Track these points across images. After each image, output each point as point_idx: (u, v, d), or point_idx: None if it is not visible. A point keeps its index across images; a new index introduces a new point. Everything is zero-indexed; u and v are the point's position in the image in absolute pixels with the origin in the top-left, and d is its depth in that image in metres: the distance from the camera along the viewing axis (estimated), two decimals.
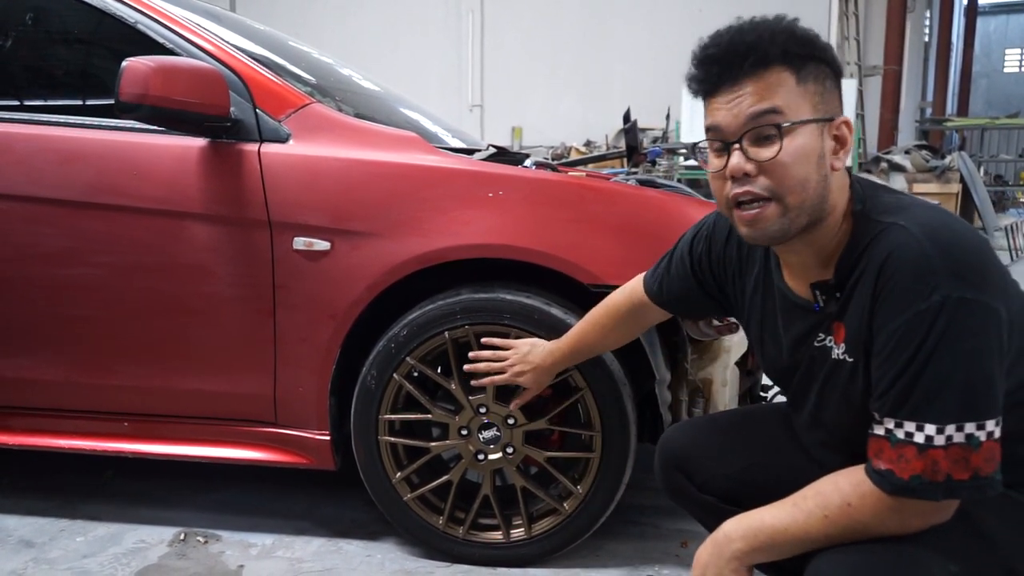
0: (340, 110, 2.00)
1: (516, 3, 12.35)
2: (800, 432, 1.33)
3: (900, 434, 1.00)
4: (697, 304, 1.47)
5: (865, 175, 9.08)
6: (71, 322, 1.99)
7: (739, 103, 1.06)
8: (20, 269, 1.97)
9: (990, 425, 0.97)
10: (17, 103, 2.24)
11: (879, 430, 1.03)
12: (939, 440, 0.97)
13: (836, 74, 1.10)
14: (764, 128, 1.05)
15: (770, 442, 1.40)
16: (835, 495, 1.05)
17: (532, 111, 12.45)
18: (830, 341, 1.15)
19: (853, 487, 1.04)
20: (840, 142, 1.09)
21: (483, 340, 1.77)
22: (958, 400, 0.97)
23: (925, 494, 0.99)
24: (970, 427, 0.97)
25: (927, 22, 17.86)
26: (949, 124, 16.01)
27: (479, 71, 12.68)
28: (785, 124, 1.04)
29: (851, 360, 1.11)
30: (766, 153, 1.05)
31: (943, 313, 0.97)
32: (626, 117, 3.37)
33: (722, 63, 1.06)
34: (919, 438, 0.98)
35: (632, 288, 1.56)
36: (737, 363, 1.94)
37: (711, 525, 1.21)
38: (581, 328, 1.63)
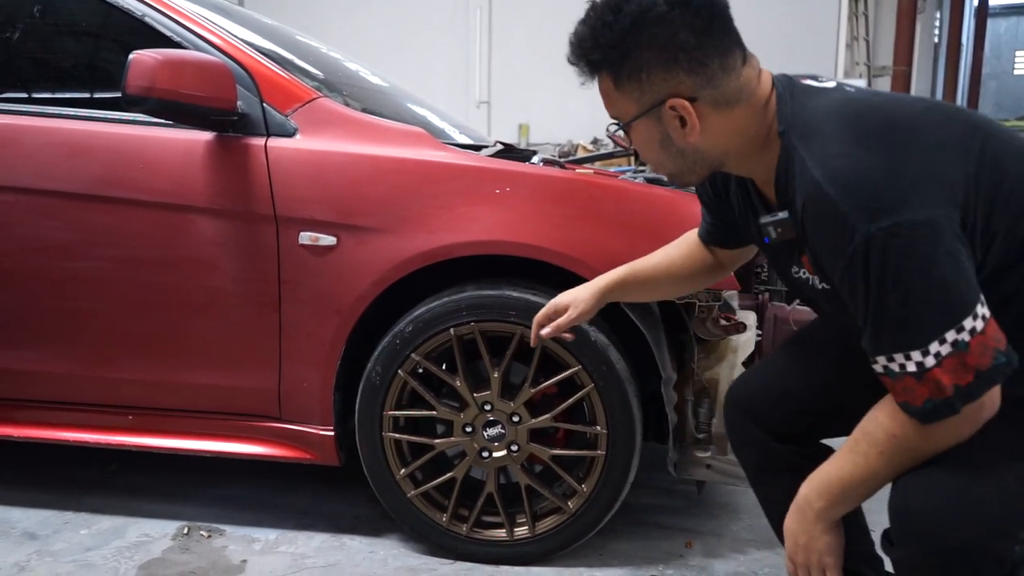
0: (347, 105, 1.99)
1: (524, 0, 12.33)
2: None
3: (895, 368, 1.02)
4: (739, 228, 1.40)
5: None
6: (76, 315, 1.99)
7: None
8: (26, 262, 1.97)
9: (969, 321, 0.98)
10: (25, 96, 2.24)
11: (878, 368, 1.05)
12: (930, 361, 0.99)
13: (665, 47, 1.09)
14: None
15: (823, 365, 1.38)
16: (879, 431, 1.08)
17: (539, 108, 12.40)
18: (804, 273, 1.18)
19: (891, 418, 1.06)
20: (682, 119, 1.12)
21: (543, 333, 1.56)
22: (926, 319, 0.98)
23: (944, 412, 1.00)
24: (951, 335, 0.97)
25: (937, 23, 17.76)
26: None
27: (486, 68, 12.65)
28: (621, 128, 1.19)
29: (830, 287, 1.13)
30: None
31: (872, 249, 0.98)
32: None
33: (575, 65, 1.16)
34: (911, 367, 1.00)
35: (688, 235, 1.53)
36: (744, 363, 1.93)
37: (763, 480, 1.37)
38: (641, 260, 1.55)
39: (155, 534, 2.05)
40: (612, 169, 2.96)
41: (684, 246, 1.53)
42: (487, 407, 1.86)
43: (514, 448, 1.87)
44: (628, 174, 2.27)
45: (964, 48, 21.12)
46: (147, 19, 1.95)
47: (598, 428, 1.82)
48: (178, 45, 1.91)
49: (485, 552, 1.92)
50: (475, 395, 1.86)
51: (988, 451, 1.04)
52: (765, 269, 2.09)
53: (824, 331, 1.43)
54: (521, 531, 1.90)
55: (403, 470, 1.91)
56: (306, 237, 1.84)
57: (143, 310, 1.95)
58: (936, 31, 17.89)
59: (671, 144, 1.16)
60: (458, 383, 1.86)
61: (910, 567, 1.09)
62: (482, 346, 1.83)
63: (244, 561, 1.93)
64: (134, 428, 2.03)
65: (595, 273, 1.76)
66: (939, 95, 18.62)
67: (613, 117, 1.20)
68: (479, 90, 12.69)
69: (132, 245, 1.92)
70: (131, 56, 1.71)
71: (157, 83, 1.71)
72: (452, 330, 1.82)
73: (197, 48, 1.90)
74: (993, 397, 1.02)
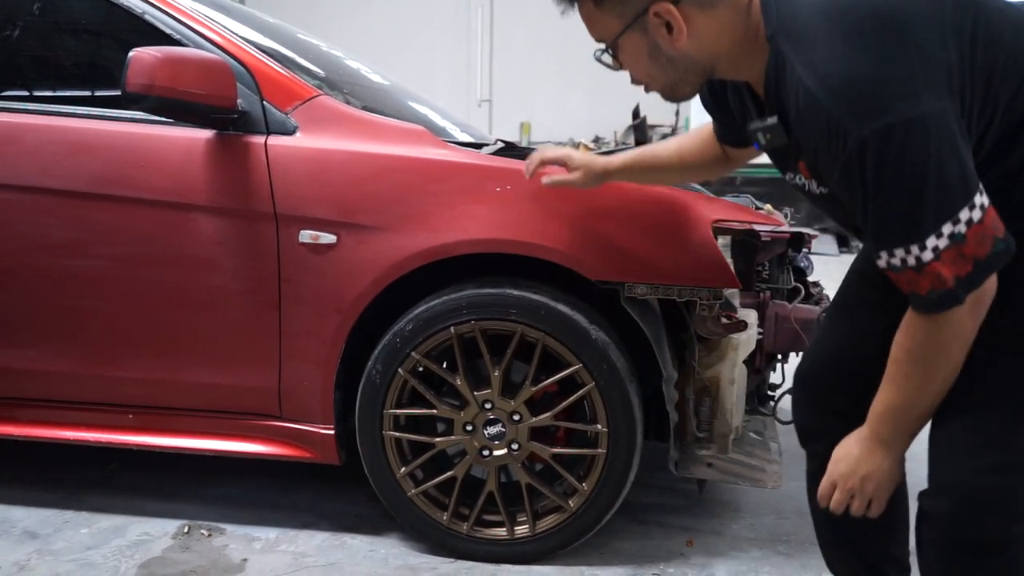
0: (348, 103, 1.99)
1: None
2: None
3: (896, 262, 1.03)
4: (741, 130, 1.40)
5: None
6: (77, 313, 1.98)
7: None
8: (27, 260, 1.97)
9: (965, 212, 0.98)
10: (25, 94, 2.24)
11: (881, 263, 1.06)
12: (927, 256, 1.00)
13: None
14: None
15: (870, 324, 1.35)
16: (898, 351, 1.11)
17: (541, 106, 12.42)
18: (800, 178, 1.19)
19: (903, 333, 1.10)
20: (668, 26, 1.11)
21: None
22: (922, 214, 0.99)
23: (948, 302, 1.02)
24: (947, 228, 0.99)
25: None
26: None
27: (488, 66, 12.66)
28: (608, 50, 1.18)
29: (827, 191, 1.14)
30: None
31: (867, 152, 0.98)
32: (635, 113, 3.35)
33: None
34: (911, 261, 1.02)
35: (705, 127, 1.53)
36: (745, 361, 1.93)
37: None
38: (655, 145, 1.59)
39: (155, 533, 2.05)
40: None
41: (698, 137, 1.53)
42: (487, 405, 1.85)
43: (515, 447, 1.86)
44: None
45: None
46: (147, 16, 1.95)
47: (599, 426, 1.81)
48: (178, 43, 1.91)
49: (486, 551, 1.91)
50: (475, 393, 1.85)
51: (1014, 407, 1.08)
52: (766, 267, 2.08)
53: (862, 288, 1.39)
54: (522, 530, 1.90)
55: (403, 469, 1.90)
56: (306, 235, 1.83)
57: (144, 308, 1.94)
58: None
59: (660, 54, 1.15)
60: (458, 381, 1.85)
61: (941, 513, 1.12)
62: (482, 344, 1.83)
63: (244, 560, 1.92)
64: (135, 427, 2.03)
65: (596, 271, 1.76)
66: None
67: (598, 40, 1.18)
68: (480, 89, 12.70)
69: (133, 243, 1.91)
70: (131, 53, 1.71)
71: (157, 81, 1.70)
72: (452, 328, 1.81)
73: (197, 46, 1.90)
74: (992, 283, 1.03)
